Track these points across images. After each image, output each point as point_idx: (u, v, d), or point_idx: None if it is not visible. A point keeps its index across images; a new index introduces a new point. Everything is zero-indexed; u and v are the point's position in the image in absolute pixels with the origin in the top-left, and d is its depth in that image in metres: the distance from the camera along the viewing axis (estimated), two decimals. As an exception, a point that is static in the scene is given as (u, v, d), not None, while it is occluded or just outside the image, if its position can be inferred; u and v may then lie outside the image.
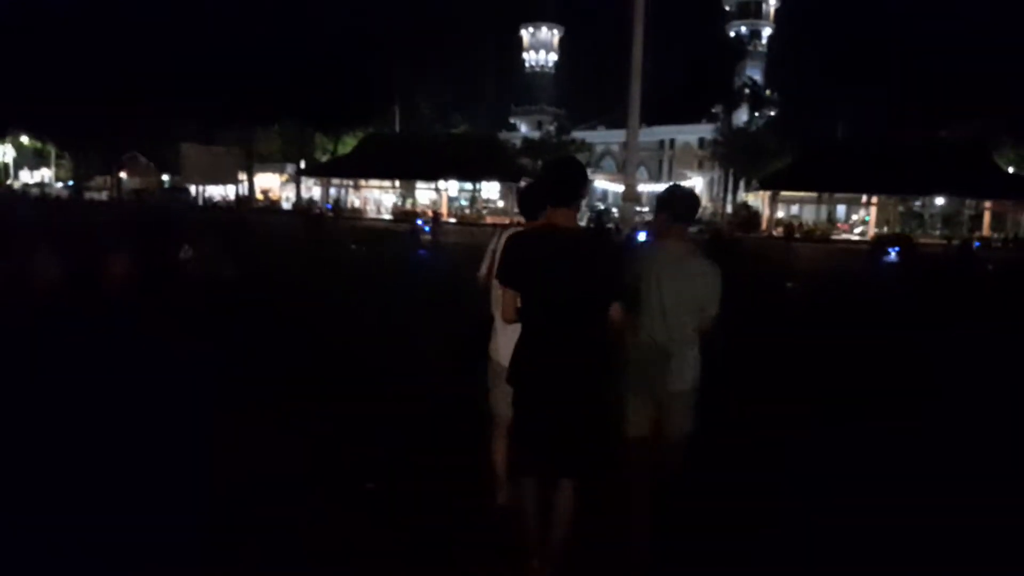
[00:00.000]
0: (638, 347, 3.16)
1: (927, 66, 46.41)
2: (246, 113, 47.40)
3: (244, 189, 53.24)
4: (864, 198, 43.79)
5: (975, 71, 43.50)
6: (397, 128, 57.58)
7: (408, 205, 51.24)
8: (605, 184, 59.38)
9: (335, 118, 51.11)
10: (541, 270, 2.73)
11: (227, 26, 49.42)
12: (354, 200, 53.09)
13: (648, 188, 51.68)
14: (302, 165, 55.32)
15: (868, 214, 44.19)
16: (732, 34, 77.25)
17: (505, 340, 3.17)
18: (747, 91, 53.99)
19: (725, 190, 50.43)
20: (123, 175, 60.59)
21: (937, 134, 45.11)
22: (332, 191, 53.23)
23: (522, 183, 51.81)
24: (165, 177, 59.04)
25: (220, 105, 45.86)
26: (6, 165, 67.97)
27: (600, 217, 43.58)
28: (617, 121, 63.55)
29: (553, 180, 2.87)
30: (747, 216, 43.88)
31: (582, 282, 2.71)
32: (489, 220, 43.53)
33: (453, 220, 43.53)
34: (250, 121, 49.21)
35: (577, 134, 56.95)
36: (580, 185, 2.83)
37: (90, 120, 50.03)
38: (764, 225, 43.24)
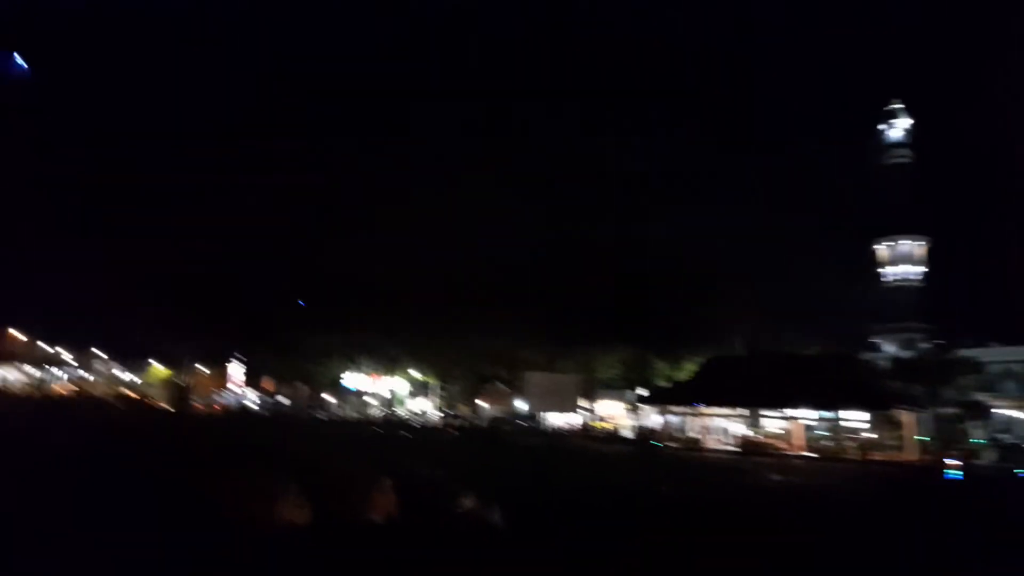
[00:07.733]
0: None
1: None
2: (585, 338, 49.27)
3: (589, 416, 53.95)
4: None
5: None
6: (740, 350, 54.40)
7: (754, 435, 46.54)
8: (1007, 411, 48.03)
9: (674, 341, 50.30)
10: None
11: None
12: (691, 428, 50.05)
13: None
14: (640, 392, 54.72)
15: None
16: None
17: None
18: None
19: None
20: (483, 402, 66.49)
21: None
22: (673, 419, 51.15)
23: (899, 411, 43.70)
24: (518, 403, 63.06)
25: (561, 331, 48.44)
26: (396, 395, 79.53)
27: (1007, 454, 34.44)
28: (1014, 337, 52.57)
29: None
30: None
31: None
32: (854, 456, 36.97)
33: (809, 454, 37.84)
34: (589, 346, 50.91)
35: (963, 352, 47.70)
36: None
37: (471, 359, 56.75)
38: None
